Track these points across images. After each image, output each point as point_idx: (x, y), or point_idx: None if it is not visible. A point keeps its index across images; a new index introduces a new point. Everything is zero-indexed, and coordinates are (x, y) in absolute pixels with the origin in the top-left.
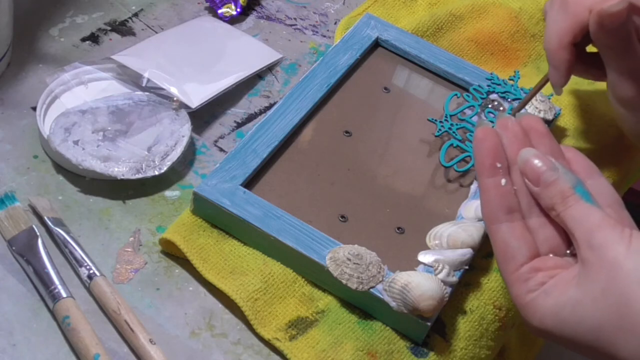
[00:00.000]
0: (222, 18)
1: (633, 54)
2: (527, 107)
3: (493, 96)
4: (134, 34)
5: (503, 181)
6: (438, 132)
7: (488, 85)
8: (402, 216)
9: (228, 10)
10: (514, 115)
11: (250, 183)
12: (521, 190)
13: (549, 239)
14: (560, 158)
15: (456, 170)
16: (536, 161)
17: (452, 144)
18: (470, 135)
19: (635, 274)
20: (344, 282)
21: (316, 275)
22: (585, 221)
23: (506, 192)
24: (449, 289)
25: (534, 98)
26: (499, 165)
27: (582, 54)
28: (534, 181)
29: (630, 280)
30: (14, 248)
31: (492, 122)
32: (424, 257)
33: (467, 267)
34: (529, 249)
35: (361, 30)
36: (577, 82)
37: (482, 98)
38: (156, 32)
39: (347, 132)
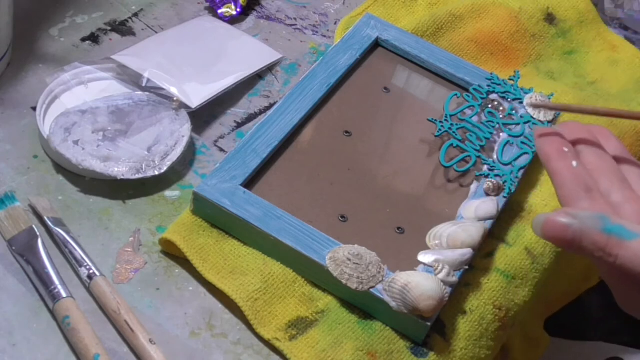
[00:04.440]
0: (222, 18)
1: None
2: (527, 107)
3: (493, 96)
4: (134, 34)
5: (574, 163)
6: (438, 132)
7: (488, 85)
8: (402, 216)
9: (228, 10)
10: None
11: (250, 183)
12: (597, 170)
13: (636, 213)
14: (628, 155)
15: (456, 170)
16: (552, 219)
17: (452, 144)
18: (470, 135)
19: None
20: (344, 282)
21: (316, 275)
22: None
23: (580, 172)
24: (449, 289)
25: (534, 97)
26: (566, 149)
27: None
28: (564, 244)
29: None
30: (14, 248)
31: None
32: (424, 257)
33: (467, 267)
34: None
35: (361, 30)
36: (577, 83)
37: (482, 98)
38: (156, 32)
39: (347, 132)
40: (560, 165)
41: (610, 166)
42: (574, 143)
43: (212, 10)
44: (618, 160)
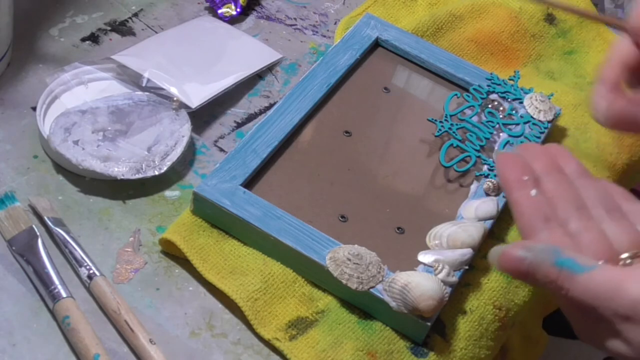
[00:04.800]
0: (222, 18)
1: None
2: (527, 107)
3: (493, 96)
4: (134, 34)
5: (533, 192)
6: (438, 132)
7: (488, 85)
8: (402, 216)
9: (228, 10)
10: None
11: (250, 183)
12: (555, 198)
13: (593, 242)
14: (588, 176)
15: (456, 170)
16: (508, 252)
17: (452, 144)
18: (471, 135)
19: None
20: (344, 282)
21: (316, 275)
22: (597, 293)
23: (538, 201)
24: (449, 289)
25: (535, 98)
26: (525, 178)
27: None
28: (519, 276)
29: None
30: (14, 248)
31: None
32: (424, 257)
33: (467, 267)
34: None
35: (361, 30)
36: (577, 83)
37: (482, 98)
38: (156, 32)
39: (347, 132)
40: (519, 195)
41: (568, 193)
42: (534, 168)
43: (212, 10)
44: (578, 181)
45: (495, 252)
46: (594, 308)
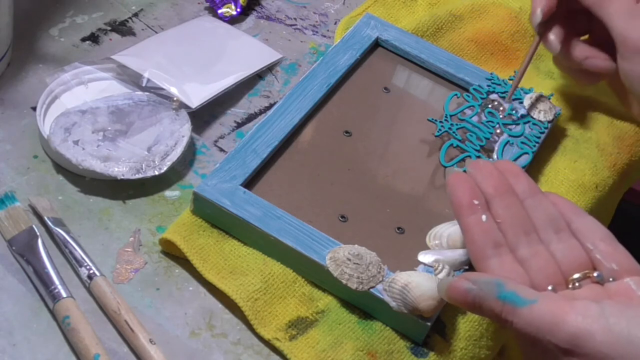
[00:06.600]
0: (222, 18)
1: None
2: (527, 107)
3: (493, 96)
4: (134, 34)
5: (484, 217)
6: (438, 132)
7: (488, 85)
8: (402, 216)
9: (228, 10)
10: (509, 98)
11: (250, 183)
12: (505, 223)
13: (542, 268)
14: (538, 195)
15: None
16: (454, 285)
17: (452, 144)
18: (471, 135)
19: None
20: (344, 282)
21: (316, 275)
22: (539, 327)
23: (489, 227)
24: None
25: (535, 97)
26: (476, 202)
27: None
28: (467, 307)
29: None
30: (14, 248)
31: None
32: (424, 257)
33: (467, 267)
34: (521, 282)
35: (361, 30)
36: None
37: (482, 98)
38: (156, 32)
39: (347, 132)
40: (470, 221)
41: (518, 217)
42: (485, 189)
43: (212, 10)
44: (527, 201)
45: (444, 283)
46: (538, 340)
